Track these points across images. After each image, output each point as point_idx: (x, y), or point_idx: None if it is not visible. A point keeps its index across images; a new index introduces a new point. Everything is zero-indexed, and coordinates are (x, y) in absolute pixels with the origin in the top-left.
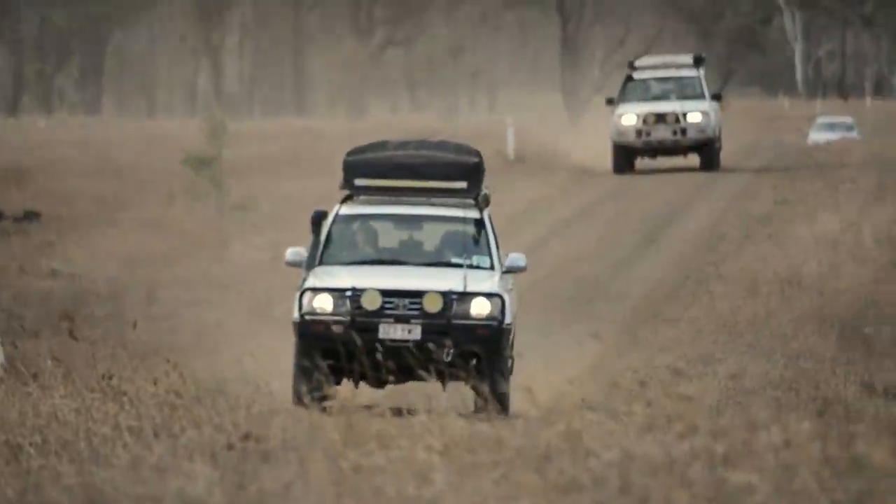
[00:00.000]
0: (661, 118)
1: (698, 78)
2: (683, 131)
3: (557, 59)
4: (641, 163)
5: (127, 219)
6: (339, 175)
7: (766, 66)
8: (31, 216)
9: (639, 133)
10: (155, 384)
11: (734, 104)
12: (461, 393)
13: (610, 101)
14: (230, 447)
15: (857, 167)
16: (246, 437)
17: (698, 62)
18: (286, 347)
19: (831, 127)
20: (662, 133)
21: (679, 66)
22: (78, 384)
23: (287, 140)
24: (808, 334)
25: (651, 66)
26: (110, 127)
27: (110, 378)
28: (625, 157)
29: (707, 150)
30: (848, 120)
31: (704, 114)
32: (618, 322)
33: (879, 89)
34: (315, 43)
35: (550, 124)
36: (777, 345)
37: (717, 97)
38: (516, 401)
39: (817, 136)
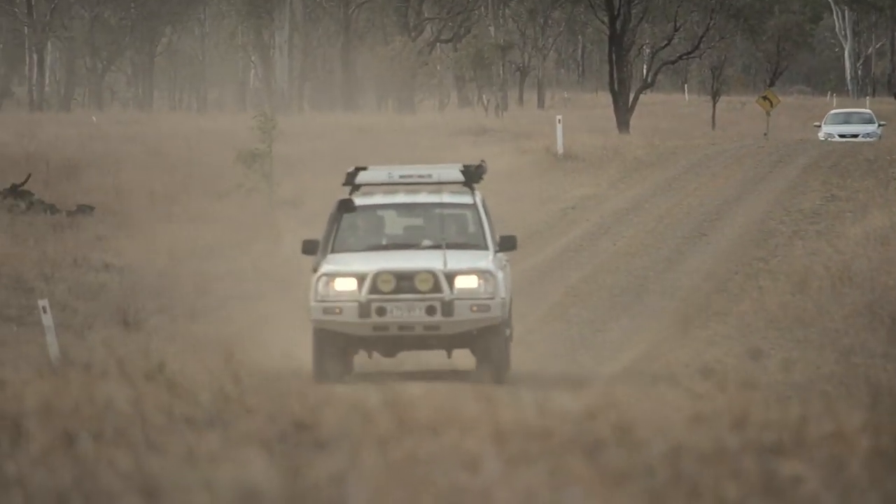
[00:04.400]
0: (405, 282)
1: (475, 208)
2: (447, 309)
3: (605, 56)
4: (371, 362)
5: (178, 213)
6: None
7: (814, 64)
8: (84, 210)
9: (364, 310)
10: (207, 375)
11: (782, 101)
12: None
13: (309, 248)
14: (283, 436)
15: None
16: (299, 426)
17: (472, 177)
18: None
19: (846, 119)
20: (408, 312)
21: (437, 186)
22: (132, 375)
23: (336, 136)
24: (858, 330)
25: (387, 183)
26: (161, 122)
27: (163, 368)
28: (335, 353)
29: (489, 345)
30: (866, 112)
31: (486, 276)
32: (668, 316)
33: None
34: (364, 40)
35: (599, 121)
36: (827, 340)
37: (508, 243)
38: (567, 395)
39: (831, 130)
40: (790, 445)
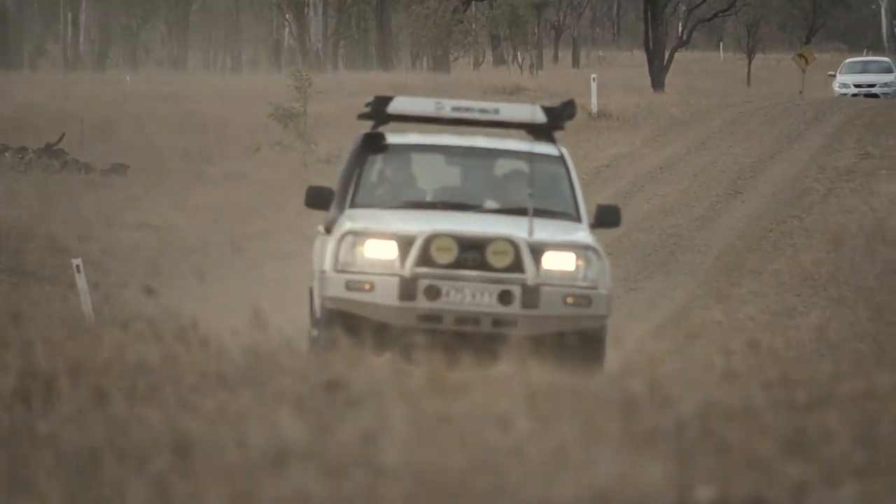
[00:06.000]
0: (471, 253)
1: (562, 162)
2: (530, 297)
3: (641, 14)
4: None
5: (212, 172)
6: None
7: (851, 21)
8: (118, 169)
9: (408, 289)
10: (240, 334)
11: (818, 58)
12: None
13: (318, 199)
14: (315, 394)
15: None
16: (331, 384)
17: (558, 119)
18: None
19: (864, 67)
20: (472, 297)
21: (501, 132)
22: (164, 334)
23: (370, 95)
24: (892, 287)
25: (433, 118)
26: (196, 81)
27: (196, 327)
28: (354, 347)
29: (584, 359)
30: (884, 60)
31: (588, 255)
32: (701, 274)
33: None
34: None
35: (634, 80)
36: (861, 298)
37: (608, 217)
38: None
39: (846, 80)
40: (821, 403)
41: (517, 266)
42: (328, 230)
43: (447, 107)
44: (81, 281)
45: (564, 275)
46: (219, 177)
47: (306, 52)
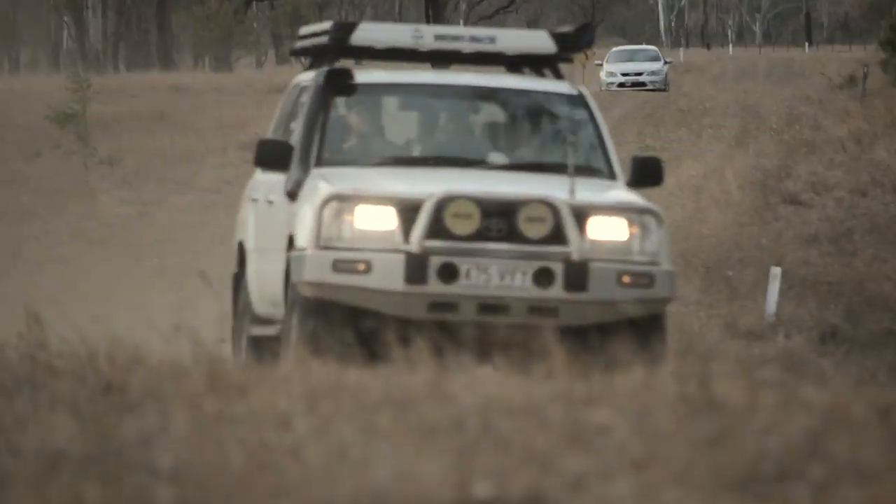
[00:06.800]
0: (496, 220)
1: (582, 103)
2: (576, 276)
3: (422, 11)
4: None
5: None
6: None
7: (629, 16)
8: None
9: (416, 268)
10: (15, 339)
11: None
12: None
13: (273, 157)
14: (92, 399)
15: (719, 113)
16: (108, 388)
17: (571, 47)
18: (151, 300)
19: (631, 56)
20: (500, 278)
21: (488, 56)
22: None
23: (152, 96)
24: None
25: (407, 50)
26: None
27: None
28: (342, 348)
29: (644, 354)
30: (651, 49)
31: (645, 220)
32: None
33: (741, 37)
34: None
35: None
36: None
37: (647, 173)
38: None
39: (613, 69)
40: (599, 396)
41: (558, 236)
42: (292, 195)
43: (428, 35)
44: None
45: (617, 246)
46: None
47: (86, 54)
